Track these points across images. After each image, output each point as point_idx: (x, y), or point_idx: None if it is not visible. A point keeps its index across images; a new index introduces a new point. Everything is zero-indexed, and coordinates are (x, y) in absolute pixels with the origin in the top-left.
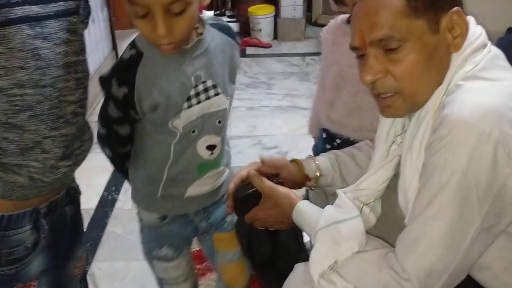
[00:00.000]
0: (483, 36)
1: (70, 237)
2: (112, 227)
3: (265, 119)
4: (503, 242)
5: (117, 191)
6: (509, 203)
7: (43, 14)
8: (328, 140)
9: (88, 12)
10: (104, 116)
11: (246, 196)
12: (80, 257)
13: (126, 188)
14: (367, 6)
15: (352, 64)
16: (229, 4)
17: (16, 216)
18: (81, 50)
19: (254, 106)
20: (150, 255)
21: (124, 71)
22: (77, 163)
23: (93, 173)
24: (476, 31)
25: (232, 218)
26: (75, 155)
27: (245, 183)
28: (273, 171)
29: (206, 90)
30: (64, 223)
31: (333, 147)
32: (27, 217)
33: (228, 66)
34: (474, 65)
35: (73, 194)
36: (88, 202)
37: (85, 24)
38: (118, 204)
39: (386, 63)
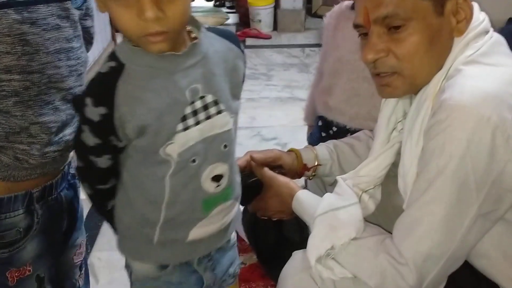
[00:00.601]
0: (486, 22)
1: (68, 223)
2: None
3: (264, 110)
4: (501, 229)
5: None
6: (507, 189)
7: None
8: (323, 128)
9: (84, 0)
10: (78, 145)
11: (248, 185)
12: (80, 245)
13: None
14: None
15: (353, 49)
16: None
17: (7, 199)
18: (75, 37)
19: (254, 97)
20: None
21: (100, 87)
22: (68, 148)
23: None
24: (479, 17)
25: (235, 268)
26: (65, 141)
27: (247, 172)
28: (265, 163)
29: (205, 107)
30: (60, 209)
31: (329, 135)
32: (19, 200)
33: (230, 78)
34: (475, 50)
35: (70, 179)
36: None
37: (81, 10)
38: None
39: (388, 42)
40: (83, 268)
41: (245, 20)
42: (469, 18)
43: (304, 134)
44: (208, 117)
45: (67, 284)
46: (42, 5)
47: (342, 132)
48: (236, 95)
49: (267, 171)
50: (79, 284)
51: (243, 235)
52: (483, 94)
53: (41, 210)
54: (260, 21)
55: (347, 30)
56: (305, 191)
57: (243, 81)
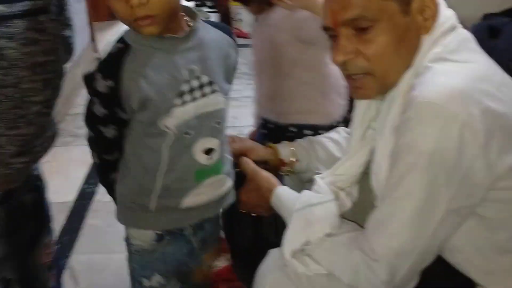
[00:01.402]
0: (453, 19)
1: (34, 224)
2: (91, 219)
3: (246, 109)
4: (473, 223)
5: (96, 183)
6: (476, 184)
7: (8, 14)
8: (263, 125)
9: (61, 9)
10: (89, 116)
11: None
12: (47, 245)
13: None
14: None
15: (269, 48)
16: None
17: None
18: (52, 50)
19: (236, 96)
20: (136, 286)
21: (109, 63)
22: (35, 160)
23: (71, 166)
24: (446, 14)
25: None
26: (33, 152)
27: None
28: (238, 153)
29: (201, 86)
30: (23, 211)
31: (269, 131)
32: None
33: (224, 63)
34: (444, 47)
35: (34, 181)
36: (67, 195)
37: (59, 22)
38: (97, 197)
39: (357, 44)
40: (53, 269)
41: (226, 20)
42: (435, 15)
43: None
44: (203, 95)
45: (37, 285)
46: (19, 19)
47: (280, 128)
48: (228, 80)
49: (250, 164)
50: (49, 285)
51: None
52: (451, 90)
53: (3, 213)
54: (241, 20)
55: (259, 33)
56: (285, 187)
57: (235, 68)
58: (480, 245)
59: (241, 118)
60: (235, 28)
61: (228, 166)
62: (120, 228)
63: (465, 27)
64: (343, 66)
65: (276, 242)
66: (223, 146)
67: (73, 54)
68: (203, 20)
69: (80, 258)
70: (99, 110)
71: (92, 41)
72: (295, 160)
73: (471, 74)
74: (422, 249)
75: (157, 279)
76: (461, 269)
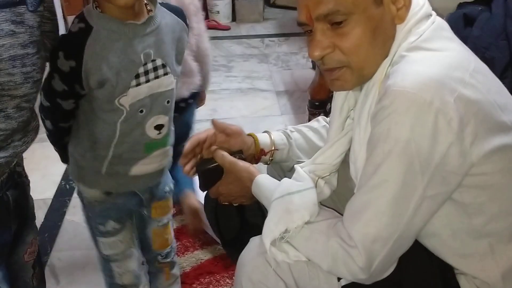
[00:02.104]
0: (426, 7)
1: (18, 222)
2: (71, 216)
3: (225, 102)
4: (449, 209)
5: None
6: (451, 171)
7: None
8: None
9: (39, 1)
10: (48, 89)
11: (208, 170)
12: (31, 243)
13: None
14: None
15: None
16: None
17: None
18: (30, 43)
19: (214, 89)
20: (94, 233)
21: (72, 44)
22: (15, 155)
23: (49, 163)
24: (419, 2)
25: (171, 186)
26: (13, 146)
27: (207, 158)
28: (223, 138)
29: (155, 69)
30: (6, 209)
31: None
32: None
33: (176, 46)
34: (418, 36)
35: (16, 178)
36: (45, 192)
37: (37, 14)
38: (76, 193)
39: (333, 38)
40: (37, 268)
41: (203, 12)
42: (408, 4)
43: (266, 124)
44: (157, 77)
45: (20, 284)
46: None
47: None
48: (179, 61)
49: (227, 156)
50: (34, 284)
51: (207, 227)
52: (425, 79)
53: None
54: (218, 12)
55: None
56: (265, 175)
57: (184, 50)
58: (457, 230)
59: (220, 110)
60: (213, 20)
61: (172, 138)
62: None
63: (440, 15)
64: (320, 60)
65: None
66: (170, 121)
67: None
68: (159, 3)
69: (60, 255)
70: (59, 85)
71: None
72: (275, 149)
73: (445, 62)
74: (399, 236)
75: (111, 224)
76: (437, 253)
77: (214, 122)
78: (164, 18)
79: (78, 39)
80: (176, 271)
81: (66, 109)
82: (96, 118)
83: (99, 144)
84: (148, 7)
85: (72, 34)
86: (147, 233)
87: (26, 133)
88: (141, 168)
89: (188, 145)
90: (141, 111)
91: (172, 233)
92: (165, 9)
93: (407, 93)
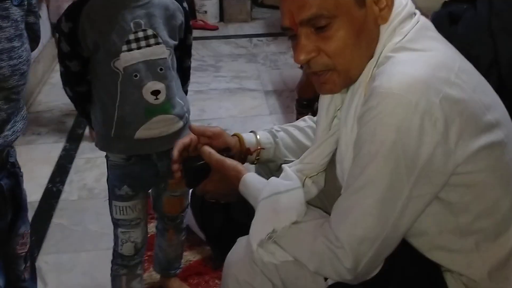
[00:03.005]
0: (409, 6)
1: (12, 212)
2: (58, 219)
3: (213, 102)
4: (436, 208)
5: (62, 182)
6: (437, 171)
7: None
8: None
9: None
10: (59, 53)
11: (195, 168)
12: (23, 235)
13: (71, 179)
14: None
15: None
16: None
17: None
18: (16, 36)
19: (202, 89)
20: (111, 195)
21: (71, 9)
22: (7, 144)
23: (36, 165)
24: (401, 1)
25: None
26: (3, 136)
27: (195, 155)
28: (205, 141)
29: (146, 38)
30: (2, 197)
31: None
32: None
33: (168, 22)
34: (403, 36)
35: (10, 168)
36: (32, 195)
37: (23, 8)
38: (63, 196)
39: (317, 42)
40: (28, 261)
41: (190, 12)
42: (390, 4)
43: (255, 124)
44: (148, 45)
45: (11, 276)
46: None
47: None
48: (173, 37)
49: (214, 154)
50: (25, 277)
51: (195, 228)
52: (411, 80)
53: None
54: (205, 12)
55: None
56: (252, 174)
57: (181, 28)
58: (443, 228)
59: (209, 111)
60: (200, 20)
61: (179, 110)
62: (87, 227)
63: (425, 15)
64: (306, 64)
65: (248, 223)
66: (169, 90)
67: (38, 42)
68: None
69: (47, 258)
70: (65, 46)
71: (52, 37)
72: (260, 148)
73: (430, 62)
74: (386, 236)
75: (125, 189)
76: (424, 252)
77: (191, 128)
78: None
79: (77, 6)
80: (180, 236)
81: (73, 71)
82: (101, 82)
83: (107, 106)
84: None
85: (74, 2)
86: (161, 198)
87: (15, 123)
88: (144, 132)
89: (175, 151)
90: (136, 76)
91: (185, 204)
92: None
93: (393, 94)
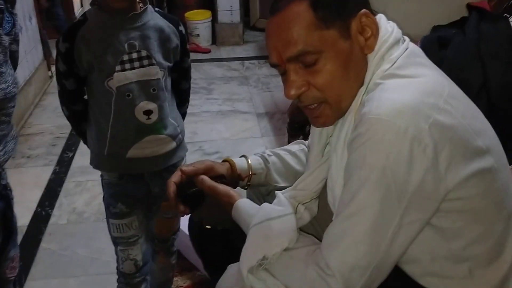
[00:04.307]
0: (396, 32)
1: (2, 235)
2: (47, 243)
3: (205, 124)
4: (428, 234)
5: (51, 206)
6: (427, 197)
7: None
8: None
9: (13, 25)
10: (56, 73)
11: (189, 195)
12: (13, 258)
13: (61, 203)
14: (278, 23)
15: None
16: (166, 10)
17: None
18: (4, 62)
19: (194, 111)
20: (107, 213)
21: (69, 30)
22: None
23: (25, 189)
24: (387, 29)
25: None
26: None
27: (189, 182)
28: (196, 174)
29: (140, 58)
30: None
31: None
32: None
33: (163, 45)
34: (392, 63)
35: (2, 190)
36: (20, 219)
37: (9, 36)
38: (52, 220)
39: (306, 76)
40: (17, 286)
41: None
42: (375, 33)
43: (246, 146)
44: (142, 66)
45: None
46: None
47: None
48: (167, 59)
49: (207, 180)
50: None
51: (186, 254)
52: (400, 106)
53: None
54: (198, 35)
55: None
56: (245, 200)
57: (176, 50)
58: (436, 255)
59: (200, 133)
60: (193, 43)
61: (172, 130)
62: (76, 251)
63: (413, 40)
64: (297, 99)
65: None
66: (162, 110)
67: (16, 68)
68: (156, 10)
69: (35, 284)
70: (62, 66)
71: (44, 59)
72: (252, 174)
73: (420, 88)
74: (378, 264)
75: (120, 207)
76: (417, 278)
77: (182, 171)
78: (154, 19)
79: (74, 27)
80: (171, 260)
81: (69, 90)
82: (96, 101)
83: (101, 124)
84: (141, 6)
85: (71, 24)
86: (152, 219)
87: (6, 143)
88: (136, 152)
89: (170, 183)
90: (128, 95)
91: (176, 226)
92: (159, 15)
93: (382, 120)
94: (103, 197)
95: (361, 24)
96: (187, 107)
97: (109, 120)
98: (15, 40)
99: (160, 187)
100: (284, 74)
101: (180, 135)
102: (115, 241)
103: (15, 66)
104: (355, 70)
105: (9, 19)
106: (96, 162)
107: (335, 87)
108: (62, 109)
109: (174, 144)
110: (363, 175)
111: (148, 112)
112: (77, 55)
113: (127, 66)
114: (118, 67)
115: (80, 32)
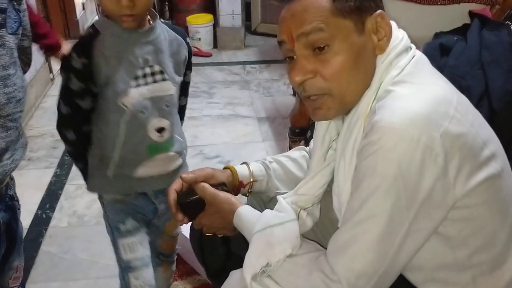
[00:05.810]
0: (405, 40)
1: (7, 245)
2: (47, 246)
3: (206, 128)
4: (435, 242)
5: (52, 208)
6: (436, 206)
7: None
8: None
9: (19, 24)
10: (65, 93)
11: (190, 202)
12: (16, 268)
13: (61, 206)
14: (294, 8)
15: None
16: (167, 14)
17: None
18: (11, 64)
19: (195, 115)
20: (115, 236)
21: (82, 44)
22: (6, 173)
23: (26, 191)
24: (398, 35)
25: None
26: (2, 165)
27: (189, 190)
28: (197, 181)
29: (153, 74)
30: None
31: None
32: None
33: (174, 58)
34: (400, 70)
35: (8, 201)
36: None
37: (16, 35)
38: (53, 222)
39: (315, 64)
40: None
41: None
42: (389, 35)
43: (247, 151)
44: (155, 81)
45: None
46: None
47: None
48: (178, 72)
49: (208, 188)
50: None
51: (186, 257)
52: (412, 115)
53: None
54: (199, 39)
55: None
56: (246, 206)
57: (185, 63)
58: (441, 263)
59: (201, 137)
60: (194, 47)
61: (178, 147)
62: (76, 255)
63: (417, 46)
64: (301, 87)
65: None
66: (173, 127)
67: (30, 65)
68: (163, 22)
69: (35, 287)
70: (76, 84)
71: (46, 62)
72: (253, 181)
73: (431, 97)
74: (384, 271)
75: (131, 223)
76: (419, 285)
77: (182, 179)
78: (163, 32)
79: (87, 40)
80: (172, 266)
81: (85, 109)
82: (104, 120)
83: (106, 145)
84: (151, 22)
85: (82, 37)
86: (157, 239)
87: (14, 151)
88: (145, 170)
89: (171, 191)
90: (142, 112)
91: (178, 238)
92: (167, 27)
93: (395, 129)
94: (107, 219)
95: (376, 24)
96: (182, 124)
97: (117, 141)
98: (25, 36)
99: (166, 204)
100: (291, 62)
101: (184, 151)
102: (128, 266)
103: (28, 63)
104: (364, 67)
105: (16, 17)
106: (100, 187)
107: (342, 79)
108: (65, 135)
109: (180, 161)
110: (373, 183)
111: (161, 130)
112: (95, 69)
113: (141, 81)
114: (132, 83)
115: (96, 45)
